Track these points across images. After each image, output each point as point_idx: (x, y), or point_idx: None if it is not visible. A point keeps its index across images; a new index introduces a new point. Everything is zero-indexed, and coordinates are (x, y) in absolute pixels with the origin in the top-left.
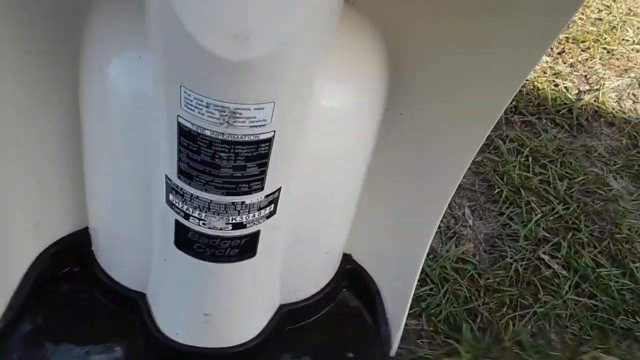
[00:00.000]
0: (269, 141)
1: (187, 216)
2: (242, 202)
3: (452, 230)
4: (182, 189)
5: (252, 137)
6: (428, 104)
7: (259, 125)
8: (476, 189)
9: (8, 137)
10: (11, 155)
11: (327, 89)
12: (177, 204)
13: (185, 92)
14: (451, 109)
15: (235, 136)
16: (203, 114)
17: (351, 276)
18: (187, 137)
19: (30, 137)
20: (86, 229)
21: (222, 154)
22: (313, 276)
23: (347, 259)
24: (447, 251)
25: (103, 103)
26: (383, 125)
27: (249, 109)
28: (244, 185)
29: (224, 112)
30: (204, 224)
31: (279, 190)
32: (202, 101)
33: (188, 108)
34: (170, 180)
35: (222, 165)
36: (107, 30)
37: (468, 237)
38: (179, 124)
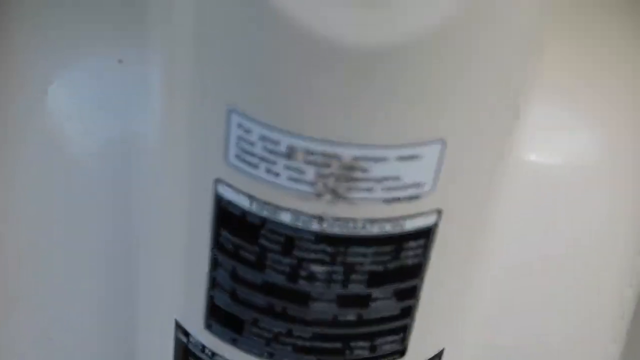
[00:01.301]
0: (427, 235)
1: None
2: None
3: None
4: (214, 354)
5: (388, 227)
6: None
7: (408, 198)
8: None
9: None
10: None
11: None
12: None
13: (239, 125)
14: None
15: (351, 225)
16: (278, 174)
17: None
18: (235, 230)
19: None
20: None
21: (315, 269)
22: None
23: None
24: None
25: (33, 168)
26: None
27: (386, 159)
28: (361, 345)
29: (329, 167)
30: None
31: (438, 356)
32: (277, 143)
33: (243, 162)
34: (186, 335)
35: (312, 294)
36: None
37: None
38: (217, 199)
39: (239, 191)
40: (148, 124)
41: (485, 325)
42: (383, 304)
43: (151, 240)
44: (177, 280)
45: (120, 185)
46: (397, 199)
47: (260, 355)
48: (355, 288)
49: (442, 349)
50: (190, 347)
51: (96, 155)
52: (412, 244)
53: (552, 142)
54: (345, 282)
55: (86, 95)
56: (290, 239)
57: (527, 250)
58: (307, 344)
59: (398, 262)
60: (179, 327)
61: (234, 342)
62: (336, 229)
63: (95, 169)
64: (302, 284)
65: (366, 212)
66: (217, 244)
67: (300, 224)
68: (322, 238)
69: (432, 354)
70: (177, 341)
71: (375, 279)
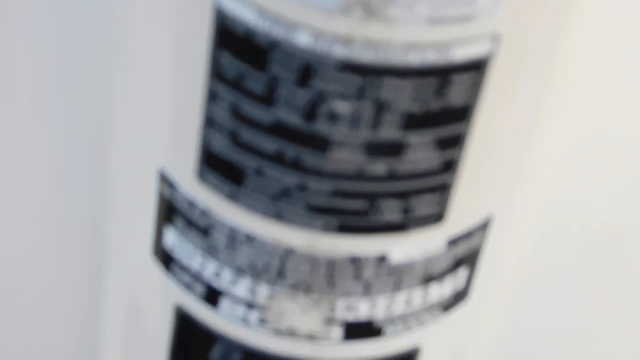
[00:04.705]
0: (480, 67)
1: (212, 295)
2: (381, 259)
3: None
4: (208, 211)
5: (432, 55)
6: None
7: (458, 18)
8: None
9: None
10: None
11: None
12: (184, 261)
13: None
14: None
15: (385, 50)
16: None
17: None
18: (239, 53)
19: None
20: None
21: (338, 106)
22: None
23: None
24: None
25: None
26: None
27: None
28: (390, 205)
29: None
30: (262, 321)
31: (484, 226)
32: None
33: None
34: (172, 188)
35: (333, 139)
36: None
37: None
38: (217, 13)
39: (244, 3)
40: None
41: (548, 196)
42: (421, 154)
43: (126, 63)
44: (162, 118)
45: None
46: (445, 19)
47: (264, 213)
48: (387, 132)
49: (489, 217)
50: (176, 203)
51: None
52: (460, 78)
53: None
54: (374, 124)
55: None
56: (307, 67)
57: (609, 95)
58: (324, 201)
59: (442, 100)
60: (162, 178)
61: (232, 196)
62: (367, 55)
63: None
64: (321, 125)
65: (405, 34)
66: (215, 71)
67: (321, 48)
68: (349, 66)
69: (476, 222)
70: (160, 196)
71: (413, 122)
